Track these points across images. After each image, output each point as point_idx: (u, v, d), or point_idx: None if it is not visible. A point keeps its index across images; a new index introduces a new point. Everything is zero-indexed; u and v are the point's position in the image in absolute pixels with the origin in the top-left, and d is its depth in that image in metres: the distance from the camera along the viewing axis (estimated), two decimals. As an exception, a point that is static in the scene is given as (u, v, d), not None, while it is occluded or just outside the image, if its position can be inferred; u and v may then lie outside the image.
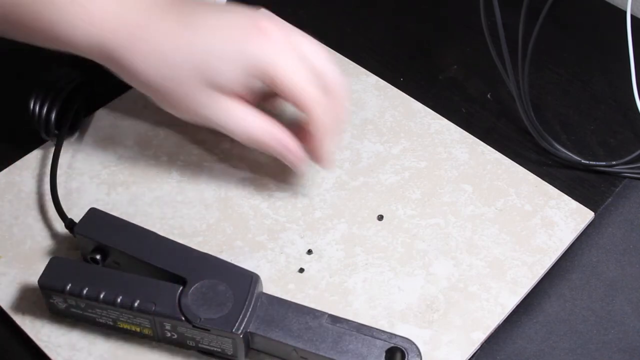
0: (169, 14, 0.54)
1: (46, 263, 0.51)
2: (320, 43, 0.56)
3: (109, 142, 0.63)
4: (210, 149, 0.62)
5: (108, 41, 0.53)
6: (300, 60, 0.53)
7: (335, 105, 0.55)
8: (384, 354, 0.48)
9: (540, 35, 0.61)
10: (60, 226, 0.56)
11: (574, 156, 0.62)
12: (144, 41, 0.53)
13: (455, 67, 0.70)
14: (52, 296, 0.51)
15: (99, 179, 0.60)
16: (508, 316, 0.54)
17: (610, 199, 0.61)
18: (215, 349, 0.50)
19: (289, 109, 0.59)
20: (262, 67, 0.52)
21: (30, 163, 0.61)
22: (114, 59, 0.54)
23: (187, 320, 0.49)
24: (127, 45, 0.53)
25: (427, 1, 0.77)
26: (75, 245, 0.55)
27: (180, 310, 0.49)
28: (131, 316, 0.50)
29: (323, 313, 0.50)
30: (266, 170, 0.61)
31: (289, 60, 0.52)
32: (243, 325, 0.48)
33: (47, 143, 0.62)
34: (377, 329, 0.49)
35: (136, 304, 0.49)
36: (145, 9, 0.54)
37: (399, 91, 0.67)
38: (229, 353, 0.50)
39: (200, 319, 0.48)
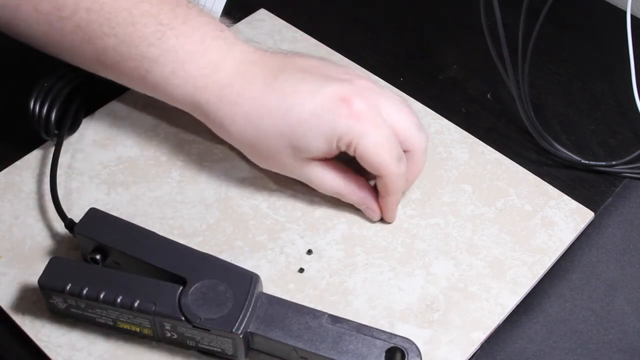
0: (256, 77, 0.55)
1: (46, 263, 0.51)
2: (404, 101, 0.58)
3: (109, 142, 0.63)
4: (210, 149, 0.62)
5: (200, 98, 0.56)
6: (385, 131, 0.54)
7: (412, 170, 0.57)
8: (384, 354, 0.48)
9: (540, 35, 0.61)
10: (60, 226, 0.56)
11: (574, 156, 0.62)
12: (232, 104, 0.55)
13: (455, 67, 0.70)
14: (52, 296, 0.51)
15: (99, 179, 0.60)
16: (508, 316, 0.54)
17: (610, 199, 0.61)
18: (215, 349, 0.50)
19: None
20: (347, 142, 0.53)
21: (30, 163, 0.61)
22: (205, 116, 0.57)
23: (187, 320, 0.49)
24: (217, 104, 0.55)
25: (427, 1, 0.77)
26: (75, 245, 0.55)
27: (180, 310, 0.49)
28: (131, 316, 0.50)
29: (323, 313, 0.50)
30: (266, 170, 0.61)
31: (373, 137, 0.53)
32: (243, 325, 0.48)
33: (47, 143, 0.62)
34: (377, 329, 0.49)
35: (136, 304, 0.49)
36: (234, 73, 0.55)
37: (399, 91, 0.67)
38: (229, 353, 0.50)
39: (200, 319, 0.48)
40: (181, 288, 0.50)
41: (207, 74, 0.55)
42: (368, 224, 0.58)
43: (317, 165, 0.56)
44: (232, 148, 0.62)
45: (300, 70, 0.55)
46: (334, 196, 0.58)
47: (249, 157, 0.58)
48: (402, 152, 0.55)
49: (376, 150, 0.54)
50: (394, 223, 0.58)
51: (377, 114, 0.54)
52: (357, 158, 0.55)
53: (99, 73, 0.59)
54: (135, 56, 0.55)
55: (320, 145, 0.54)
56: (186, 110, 0.58)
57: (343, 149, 0.54)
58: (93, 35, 0.56)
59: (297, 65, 0.56)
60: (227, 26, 0.61)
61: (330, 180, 0.57)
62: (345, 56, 0.69)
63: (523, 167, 0.62)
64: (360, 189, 0.57)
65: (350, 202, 0.58)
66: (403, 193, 0.58)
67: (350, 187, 0.57)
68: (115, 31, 0.55)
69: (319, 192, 0.60)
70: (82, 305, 0.50)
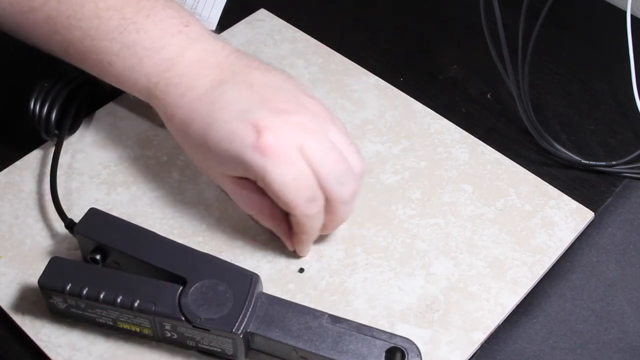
0: (202, 82, 0.54)
1: (46, 263, 0.51)
2: (346, 146, 0.54)
3: (109, 142, 0.63)
4: (210, 149, 0.62)
5: (153, 93, 0.56)
6: (295, 169, 0.51)
7: (331, 220, 0.54)
8: (384, 354, 0.48)
9: (540, 35, 0.61)
10: (60, 226, 0.56)
11: (574, 156, 0.62)
12: (172, 105, 0.55)
13: (455, 67, 0.70)
14: (52, 296, 0.51)
15: (99, 179, 0.60)
16: (508, 316, 0.54)
17: (610, 199, 0.61)
18: (215, 349, 0.50)
19: None
20: (253, 174, 0.52)
21: (30, 163, 0.61)
22: (157, 110, 0.57)
23: (187, 320, 0.49)
24: (163, 101, 0.55)
25: (427, 1, 0.77)
26: (75, 245, 0.55)
27: (180, 310, 0.49)
28: (131, 316, 0.50)
29: (323, 313, 0.50)
30: (266, 170, 0.61)
31: (279, 174, 0.51)
32: (243, 325, 0.48)
33: (47, 143, 0.62)
34: (377, 329, 0.49)
35: (136, 304, 0.49)
36: (185, 73, 0.55)
37: (399, 91, 0.67)
38: (229, 353, 0.50)
39: (200, 319, 0.48)
40: (181, 288, 0.50)
41: (160, 72, 0.55)
42: (368, 223, 0.58)
43: (235, 182, 0.54)
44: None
45: (248, 86, 0.53)
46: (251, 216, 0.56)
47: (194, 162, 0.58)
48: (319, 193, 0.52)
49: (281, 187, 0.51)
50: (394, 223, 0.58)
51: (293, 150, 0.51)
52: (269, 194, 0.52)
53: (68, 61, 0.59)
54: (97, 49, 0.56)
55: (230, 168, 0.53)
56: (143, 97, 0.58)
57: (252, 179, 0.52)
58: (61, 26, 0.56)
59: (249, 80, 0.54)
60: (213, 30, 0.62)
61: (244, 200, 0.55)
62: (345, 56, 0.69)
63: (523, 167, 0.62)
64: (273, 217, 0.55)
65: (266, 227, 0.56)
66: (325, 233, 0.56)
67: (264, 212, 0.55)
68: (80, 23, 0.56)
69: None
70: (82, 305, 0.50)
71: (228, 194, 0.56)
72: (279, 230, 0.56)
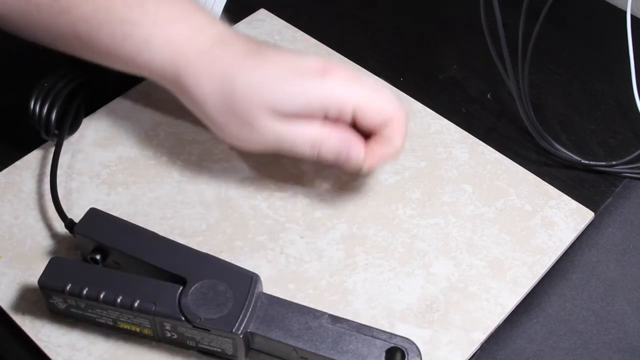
0: (237, 44, 0.55)
1: (46, 263, 0.51)
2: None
3: (109, 142, 0.63)
4: (210, 149, 0.62)
5: (177, 62, 0.54)
6: (373, 86, 0.55)
7: (403, 115, 0.56)
8: (384, 354, 0.48)
9: (540, 35, 0.61)
10: (60, 226, 0.56)
11: (574, 156, 0.62)
12: (209, 65, 0.54)
13: (455, 67, 0.70)
14: (52, 296, 0.51)
15: (99, 179, 0.60)
16: (508, 316, 0.54)
17: (610, 199, 0.61)
18: (215, 349, 0.50)
19: None
20: (337, 100, 0.53)
21: (30, 163, 0.61)
22: (179, 84, 0.55)
23: (187, 320, 0.49)
24: (193, 66, 0.54)
25: (427, 1, 0.77)
26: (75, 245, 0.55)
27: (180, 310, 0.49)
28: (131, 316, 0.50)
29: (323, 313, 0.50)
30: (266, 170, 0.61)
31: (365, 90, 0.54)
32: (243, 325, 0.48)
33: (47, 143, 0.62)
34: (377, 329, 0.49)
35: (136, 304, 0.49)
36: (215, 40, 0.55)
37: (399, 91, 0.67)
38: (229, 353, 0.50)
39: (200, 319, 0.48)
40: (181, 288, 0.50)
41: (186, 39, 0.54)
42: (368, 223, 0.58)
43: (293, 122, 0.54)
44: (232, 148, 0.62)
45: (282, 50, 0.56)
46: (311, 154, 0.55)
47: (219, 131, 0.56)
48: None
49: (374, 96, 0.54)
50: (394, 223, 0.58)
51: (358, 76, 0.55)
52: (355, 114, 0.54)
53: (72, 48, 0.57)
54: (113, 20, 0.54)
55: (301, 100, 0.53)
56: (160, 80, 0.56)
57: (336, 108, 0.53)
58: (69, 4, 0.55)
59: (278, 47, 0.57)
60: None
61: (307, 129, 0.54)
62: (345, 56, 0.69)
63: (523, 167, 0.62)
64: (341, 130, 0.55)
65: (330, 154, 0.55)
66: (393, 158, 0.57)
67: (328, 129, 0.54)
68: None
69: (319, 192, 0.60)
70: (82, 305, 0.50)
71: (286, 139, 0.54)
72: (350, 141, 0.55)
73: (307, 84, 0.53)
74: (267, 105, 0.53)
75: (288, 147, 0.55)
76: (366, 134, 0.56)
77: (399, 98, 0.56)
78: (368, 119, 0.54)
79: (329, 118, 0.54)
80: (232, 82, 0.53)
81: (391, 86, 0.67)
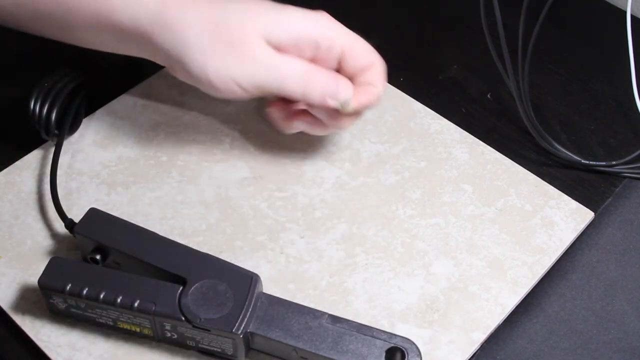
0: None
1: (46, 263, 0.51)
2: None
3: (109, 142, 0.63)
4: (210, 149, 0.62)
5: (161, 9, 0.53)
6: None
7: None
8: (384, 354, 0.48)
9: (540, 35, 0.61)
10: (60, 226, 0.56)
11: (574, 156, 0.62)
12: (198, 6, 0.53)
13: (455, 67, 0.70)
14: (52, 296, 0.51)
15: (99, 179, 0.60)
16: (508, 316, 0.54)
17: (610, 199, 0.61)
18: (215, 349, 0.50)
19: None
20: (329, 35, 0.55)
21: (30, 163, 0.61)
22: (160, 30, 0.53)
23: (187, 320, 0.49)
24: (178, 7, 0.53)
25: (427, 1, 0.77)
26: (75, 245, 0.55)
27: (180, 310, 0.49)
28: (131, 316, 0.50)
29: (323, 313, 0.50)
30: (266, 170, 0.61)
31: (350, 34, 0.56)
32: (243, 325, 0.48)
33: (47, 143, 0.62)
34: (377, 329, 0.49)
35: (136, 304, 0.49)
36: None
37: (399, 91, 0.67)
38: (229, 353, 0.50)
39: (200, 319, 0.48)
40: (181, 288, 0.50)
41: None
42: (368, 223, 0.58)
43: (284, 54, 0.54)
44: (232, 148, 0.62)
45: None
46: (298, 88, 0.55)
47: (200, 66, 0.54)
48: None
49: (359, 41, 0.56)
50: (394, 223, 0.58)
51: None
52: (342, 55, 0.55)
53: (49, 20, 0.55)
54: None
55: (296, 31, 0.54)
56: (137, 37, 0.54)
57: (322, 47, 0.54)
58: None
59: None
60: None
61: (297, 62, 0.54)
62: (345, 56, 0.69)
63: (523, 167, 0.62)
64: (328, 70, 0.56)
65: (317, 89, 0.55)
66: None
67: (314, 67, 0.55)
68: None
69: (319, 192, 0.60)
70: (82, 305, 0.50)
71: (279, 69, 0.54)
72: (338, 78, 0.56)
73: (302, 16, 0.54)
74: (262, 32, 0.53)
75: (277, 78, 0.54)
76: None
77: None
78: (354, 60, 0.56)
79: (317, 58, 0.55)
80: (225, 7, 0.53)
81: (391, 86, 0.67)
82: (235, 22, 0.53)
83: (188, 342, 0.50)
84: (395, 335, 0.49)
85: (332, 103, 0.55)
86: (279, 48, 0.54)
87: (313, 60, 0.55)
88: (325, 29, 0.55)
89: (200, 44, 0.53)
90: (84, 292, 0.49)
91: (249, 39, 0.53)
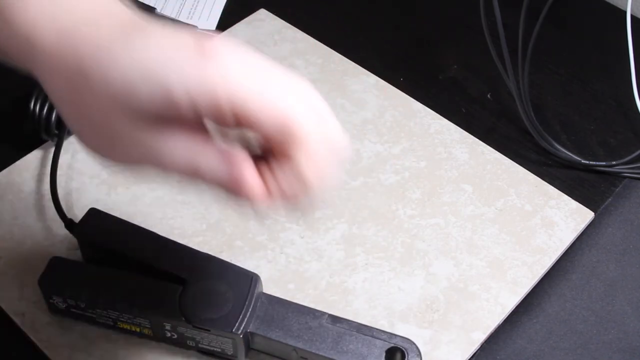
0: (118, 26, 0.38)
1: (46, 263, 0.51)
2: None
3: (109, 142, 0.63)
4: (210, 149, 0.62)
5: (40, 29, 0.39)
6: (267, 78, 0.36)
7: (328, 129, 0.37)
8: (384, 354, 0.48)
9: (540, 35, 0.61)
10: (60, 226, 0.56)
11: (574, 156, 0.62)
12: (65, 38, 0.38)
13: (455, 67, 0.70)
14: (52, 296, 0.51)
15: (99, 179, 0.60)
16: (508, 316, 0.54)
17: (610, 199, 0.61)
18: (215, 349, 0.50)
19: None
20: (211, 87, 0.35)
21: (30, 163, 0.61)
22: (32, 56, 0.40)
23: (187, 320, 0.49)
24: (51, 36, 0.38)
25: (427, 1, 0.77)
26: (75, 245, 0.55)
27: (180, 310, 0.49)
28: (131, 316, 0.50)
29: (323, 313, 0.50)
30: (266, 170, 0.61)
31: (256, 77, 0.35)
32: (243, 325, 0.48)
33: (47, 143, 0.62)
34: (377, 329, 0.49)
35: (136, 304, 0.49)
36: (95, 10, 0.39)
37: (399, 91, 0.67)
38: (229, 353, 0.50)
39: (200, 319, 0.48)
40: (181, 288, 0.50)
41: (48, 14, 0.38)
42: (368, 223, 0.58)
43: (161, 129, 0.37)
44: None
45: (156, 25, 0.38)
46: (187, 175, 0.39)
47: (78, 138, 0.41)
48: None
49: (270, 87, 0.35)
50: (394, 223, 0.58)
51: (249, 56, 0.36)
52: (239, 117, 0.35)
53: None
54: None
55: (160, 91, 0.35)
56: (11, 52, 0.41)
57: (203, 105, 0.35)
58: None
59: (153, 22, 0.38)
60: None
61: (178, 139, 0.37)
62: (345, 56, 0.69)
63: (523, 167, 0.62)
64: (227, 146, 0.37)
65: (211, 175, 0.38)
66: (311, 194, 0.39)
67: (207, 142, 0.37)
68: None
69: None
70: (82, 305, 0.50)
71: (145, 160, 0.39)
72: (240, 167, 0.37)
73: (172, 67, 0.35)
74: (121, 101, 0.36)
75: (156, 164, 0.39)
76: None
77: (321, 99, 0.37)
78: (255, 123, 0.35)
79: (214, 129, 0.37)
80: (83, 72, 0.37)
81: (391, 86, 0.67)
82: (92, 92, 0.37)
83: (188, 342, 0.50)
84: (395, 335, 0.49)
85: (238, 197, 0.38)
86: (151, 120, 0.37)
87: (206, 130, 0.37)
88: (206, 80, 0.35)
89: (67, 114, 0.40)
90: (84, 292, 0.49)
91: (108, 114, 0.37)
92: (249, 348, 0.50)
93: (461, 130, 0.64)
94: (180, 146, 0.37)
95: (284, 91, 0.36)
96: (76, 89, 0.38)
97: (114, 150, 0.40)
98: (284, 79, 0.36)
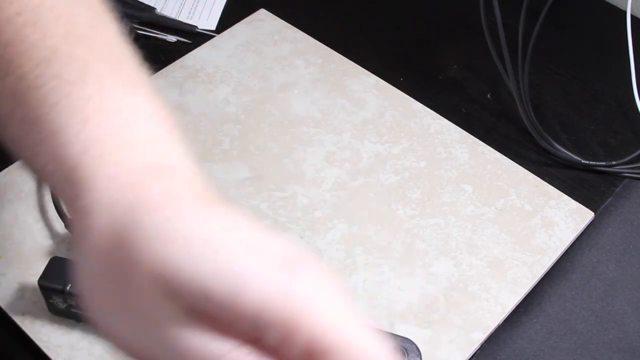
0: (184, 177, 0.37)
1: (46, 263, 0.51)
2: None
3: (109, 142, 0.63)
4: (210, 149, 0.62)
5: (84, 167, 0.34)
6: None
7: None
8: (384, 354, 0.48)
9: (540, 35, 0.61)
10: (60, 226, 0.56)
11: (574, 156, 0.62)
12: (121, 189, 0.34)
13: (455, 67, 0.70)
14: (52, 296, 0.51)
15: (99, 179, 0.60)
16: (508, 316, 0.54)
17: (610, 199, 0.61)
18: (215, 349, 0.50)
19: None
20: (296, 314, 0.29)
21: (30, 163, 0.61)
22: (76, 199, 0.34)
23: (187, 320, 0.48)
24: (101, 186, 0.34)
25: (427, 1, 0.77)
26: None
27: (180, 310, 0.49)
28: (131, 316, 0.50)
29: (323, 313, 0.50)
30: (266, 170, 0.61)
31: (346, 316, 0.32)
32: (243, 325, 0.48)
33: (47, 143, 0.62)
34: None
35: (136, 304, 0.49)
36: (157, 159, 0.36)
37: (399, 91, 0.67)
38: (229, 353, 0.50)
39: (200, 319, 0.48)
40: (181, 288, 0.49)
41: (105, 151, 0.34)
42: (368, 223, 0.58)
43: (205, 331, 0.30)
44: (232, 148, 0.62)
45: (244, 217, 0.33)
46: None
47: (92, 318, 0.35)
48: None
49: (357, 335, 0.32)
50: (394, 223, 0.58)
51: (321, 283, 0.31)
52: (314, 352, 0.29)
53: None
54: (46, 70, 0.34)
55: (233, 298, 0.29)
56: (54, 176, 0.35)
57: (273, 332, 0.29)
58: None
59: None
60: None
61: (217, 346, 0.29)
62: (345, 56, 0.69)
63: (523, 167, 0.62)
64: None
65: None
66: None
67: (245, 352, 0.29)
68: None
69: (319, 192, 0.60)
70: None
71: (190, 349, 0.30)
72: None
73: (253, 273, 0.29)
74: (172, 284, 0.30)
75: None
76: None
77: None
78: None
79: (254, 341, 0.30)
80: (133, 227, 0.32)
81: (391, 86, 0.67)
82: (135, 259, 0.32)
83: (188, 342, 0.50)
84: (395, 335, 0.49)
85: None
86: (199, 319, 0.30)
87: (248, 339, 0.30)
88: (293, 304, 0.29)
89: (90, 277, 0.36)
90: (84, 292, 0.49)
91: (148, 294, 0.31)
92: (249, 348, 0.50)
93: (461, 130, 0.64)
94: (216, 350, 0.30)
95: (367, 339, 0.32)
96: (122, 270, 0.33)
97: (135, 341, 0.33)
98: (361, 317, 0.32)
